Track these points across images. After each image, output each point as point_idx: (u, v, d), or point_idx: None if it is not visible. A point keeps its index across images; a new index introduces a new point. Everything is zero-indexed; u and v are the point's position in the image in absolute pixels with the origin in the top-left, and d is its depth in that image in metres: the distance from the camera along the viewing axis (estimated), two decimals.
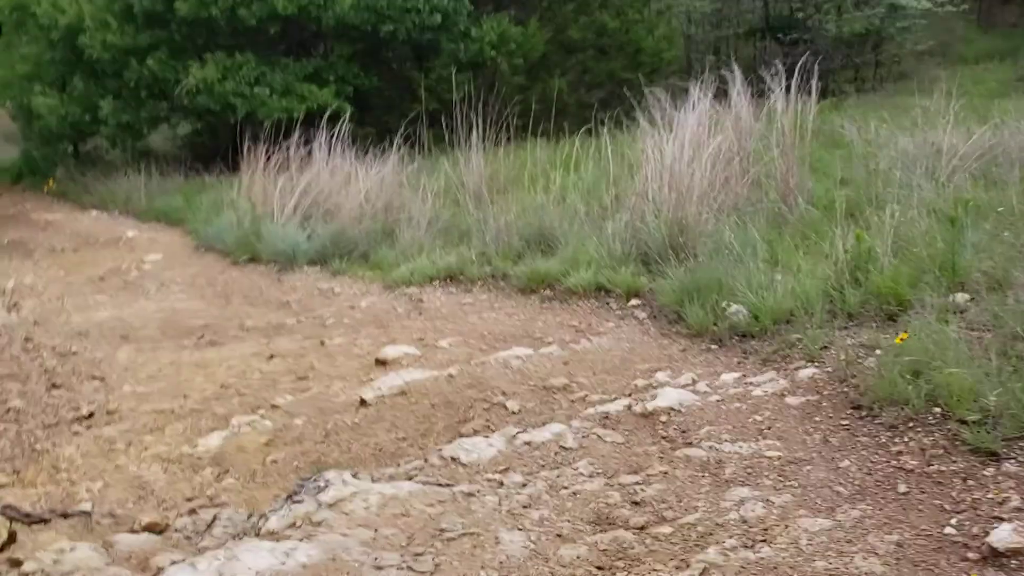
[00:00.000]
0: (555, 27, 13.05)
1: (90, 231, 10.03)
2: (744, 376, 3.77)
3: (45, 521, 3.17)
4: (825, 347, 3.89)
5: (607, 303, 5.27)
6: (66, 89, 11.45)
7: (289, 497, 2.81)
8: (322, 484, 2.77)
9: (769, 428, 3.21)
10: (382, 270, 6.88)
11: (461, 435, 3.48)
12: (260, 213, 8.05)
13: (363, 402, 3.97)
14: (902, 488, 2.66)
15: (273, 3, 10.82)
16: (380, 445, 3.54)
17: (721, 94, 8.17)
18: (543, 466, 3.02)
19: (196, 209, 9.53)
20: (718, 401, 3.51)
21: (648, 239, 5.74)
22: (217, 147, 11.82)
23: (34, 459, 4.25)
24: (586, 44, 13.21)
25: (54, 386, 5.48)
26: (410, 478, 2.94)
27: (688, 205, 5.73)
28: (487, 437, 3.30)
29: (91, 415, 4.93)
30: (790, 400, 3.44)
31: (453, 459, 3.09)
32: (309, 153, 8.69)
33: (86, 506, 3.48)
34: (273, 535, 2.59)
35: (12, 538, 3.02)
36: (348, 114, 11.18)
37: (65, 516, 3.18)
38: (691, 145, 6.32)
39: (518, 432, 3.31)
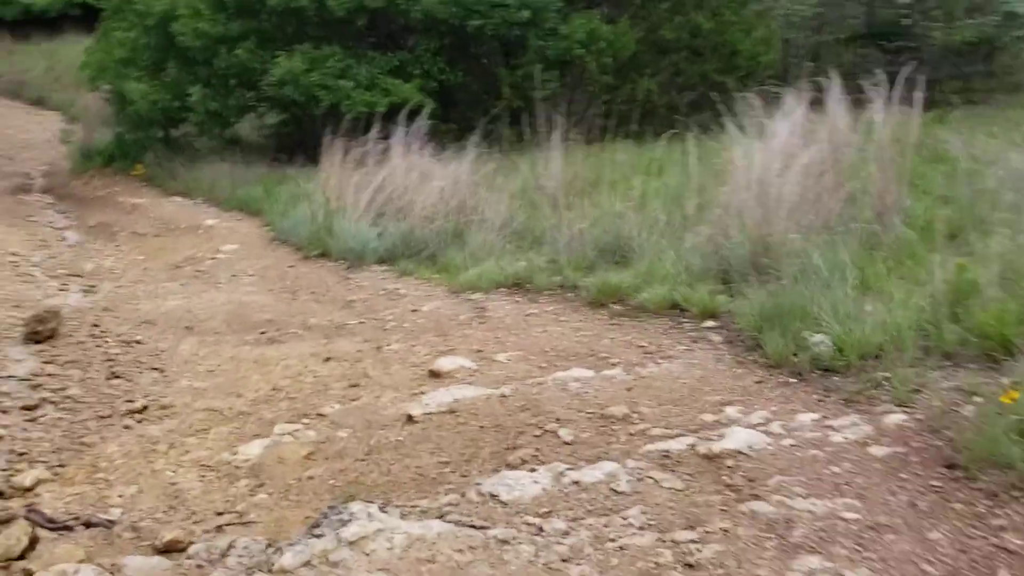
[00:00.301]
0: (647, 26, 12.64)
1: (172, 217, 10.13)
2: (823, 418, 3.40)
3: (68, 528, 3.04)
4: (916, 390, 3.50)
5: (680, 323, 4.93)
6: (159, 76, 11.61)
7: (311, 529, 2.59)
8: (346, 517, 2.55)
9: (848, 484, 2.85)
10: (449, 273, 6.67)
11: (507, 464, 3.21)
12: (334, 208, 7.93)
13: (410, 418, 3.74)
14: (1003, 574, 2.28)
15: None
16: (421, 469, 3.30)
17: (818, 102, 7.71)
18: (590, 511, 2.73)
19: (275, 200, 9.50)
20: (792, 446, 3.16)
21: (730, 255, 5.38)
22: (301, 138, 11.82)
23: (79, 454, 4.16)
24: (679, 45, 12.76)
25: (114, 376, 5.44)
26: (442, 516, 2.69)
27: (775, 221, 5.34)
28: (533, 471, 3.03)
29: (144, 409, 4.85)
30: (874, 451, 3.07)
31: (492, 496, 2.82)
32: (387, 148, 8.54)
33: (116, 512, 3.35)
34: (285, 574, 2.38)
35: (33, 544, 2.91)
36: (429, 109, 11.13)
37: (88, 525, 3.05)
38: (782, 155, 5.92)
39: (567, 469, 3.02)
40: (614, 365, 4.30)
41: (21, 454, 4.33)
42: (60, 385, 5.35)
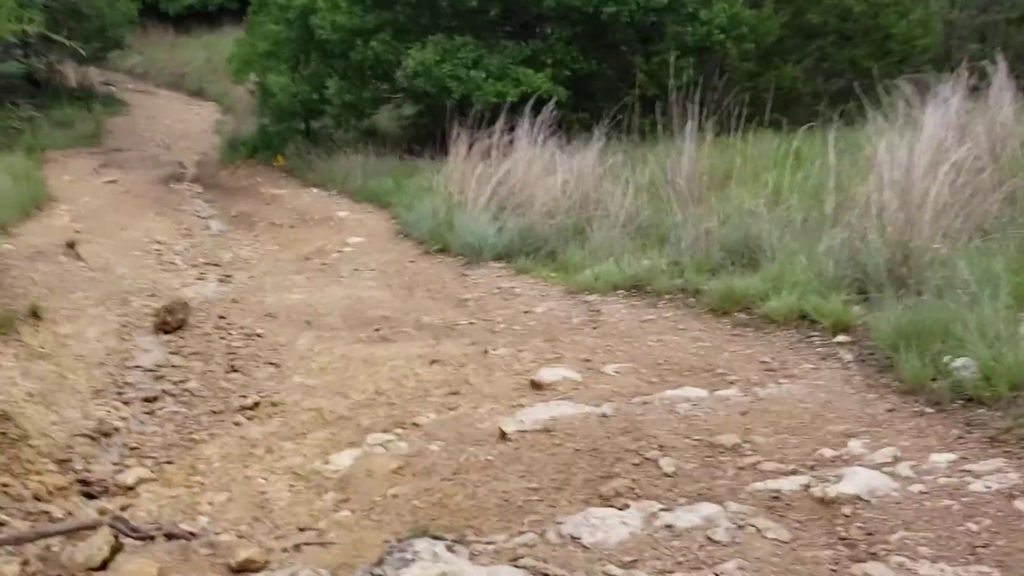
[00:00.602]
0: (793, 10, 11.93)
1: (308, 208, 10.33)
2: (962, 460, 2.98)
3: (151, 538, 3.02)
4: None
5: (809, 336, 4.52)
6: (299, 69, 11.88)
7: (372, 568, 2.43)
8: (409, 556, 2.37)
9: (986, 546, 2.45)
10: (566, 272, 6.44)
11: (600, 496, 2.96)
12: (456, 202, 7.84)
13: (504, 435, 3.54)
14: None
15: None
16: (508, 494, 3.10)
17: (980, 90, 7.02)
18: (680, 563, 2.45)
19: (404, 193, 9.51)
20: (922, 494, 2.76)
21: (867, 262, 4.90)
22: (434, 130, 11.80)
23: (184, 453, 4.20)
24: (827, 29, 11.98)
25: (233, 369, 5.51)
26: (515, 559, 2.47)
27: (919, 224, 4.82)
28: (623, 510, 2.77)
29: (255, 406, 4.88)
30: (1020, 505, 2.64)
31: (574, 538, 2.58)
32: (513, 140, 8.37)
33: (203, 521, 3.32)
34: None
35: (115, 553, 2.89)
36: (557, 99, 10.87)
37: (169, 537, 3.02)
38: (931, 150, 5.36)
39: (661, 509, 2.74)
40: (731, 383, 3.97)
41: (132, 448, 4.42)
42: (181, 377, 5.47)
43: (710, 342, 4.66)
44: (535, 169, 7.93)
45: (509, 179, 7.98)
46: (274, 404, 4.84)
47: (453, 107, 10.28)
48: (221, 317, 6.41)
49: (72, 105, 18.45)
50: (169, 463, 4.01)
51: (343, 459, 3.58)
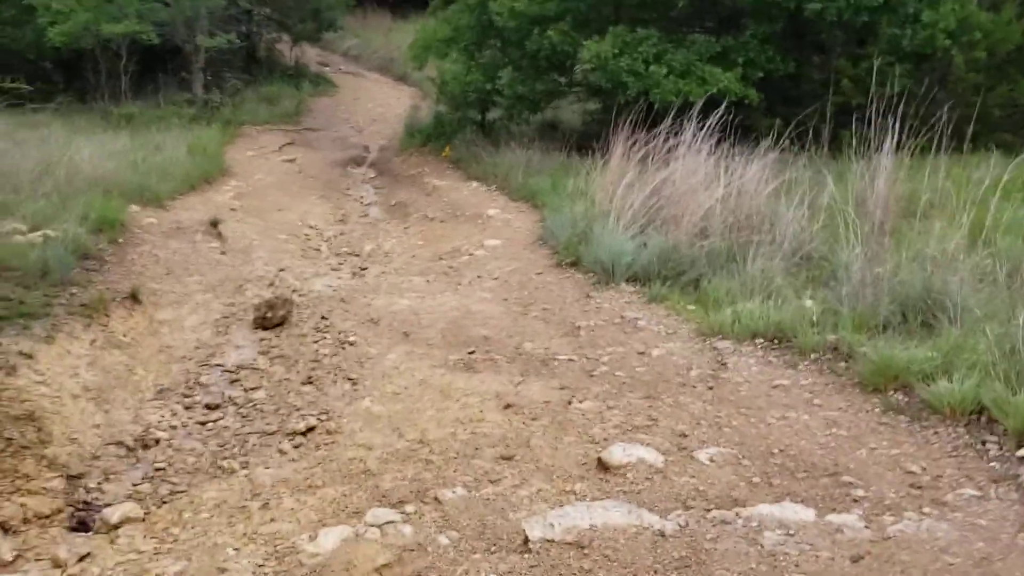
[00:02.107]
0: None
1: (462, 203, 9.76)
2: None
3: None
4: None
5: (983, 442, 3.32)
6: (475, 57, 11.34)
7: None
8: None
9: None
10: (704, 307, 5.41)
11: None
12: (599, 211, 6.95)
13: (526, 542, 2.69)
14: None
15: None
16: None
17: None
18: None
19: (558, 195, 8.70)
20: None
21: None
22: (606, 128, 10.93)
23: (190, 488, 3.66)
24: None
25: (309, 381, 4.98)
26: None
27: None
28: None
29: (308, 431, 4.30)
30: None
31: None
32: (676, 146, 7.35)
33: None
34: None
35: None
36: (747, 102, 9.69)
37: None
38: None
39: None
40: (853, 503, 2.90)
41: (158, 469, 3.94)
42: (256, 383, 4.99)
43: (847, 430, 3.56)
44: (695, 180, 6.88)
45: (664, 189, 6.99)
46: (328, 433, 4.23)
47: (629, 104, 9.34)
48: (323, 318, 5.91)
49: (282, 82, 19.02)
50: (164, 503, 3.46)
51: (329, 540, 2.85)
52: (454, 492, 3.14)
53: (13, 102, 13.33)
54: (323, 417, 4.44)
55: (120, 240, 6.91)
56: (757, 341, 4.76)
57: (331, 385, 4.89)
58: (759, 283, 5.58)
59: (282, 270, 7.30)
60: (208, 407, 4.66)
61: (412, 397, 4.50)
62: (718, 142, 7.38)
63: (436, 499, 3.11)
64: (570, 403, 4.04)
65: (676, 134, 7.50)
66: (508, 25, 10.58)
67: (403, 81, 23.15)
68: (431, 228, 9.15)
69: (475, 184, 10.61)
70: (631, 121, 7.88)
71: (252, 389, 4.90)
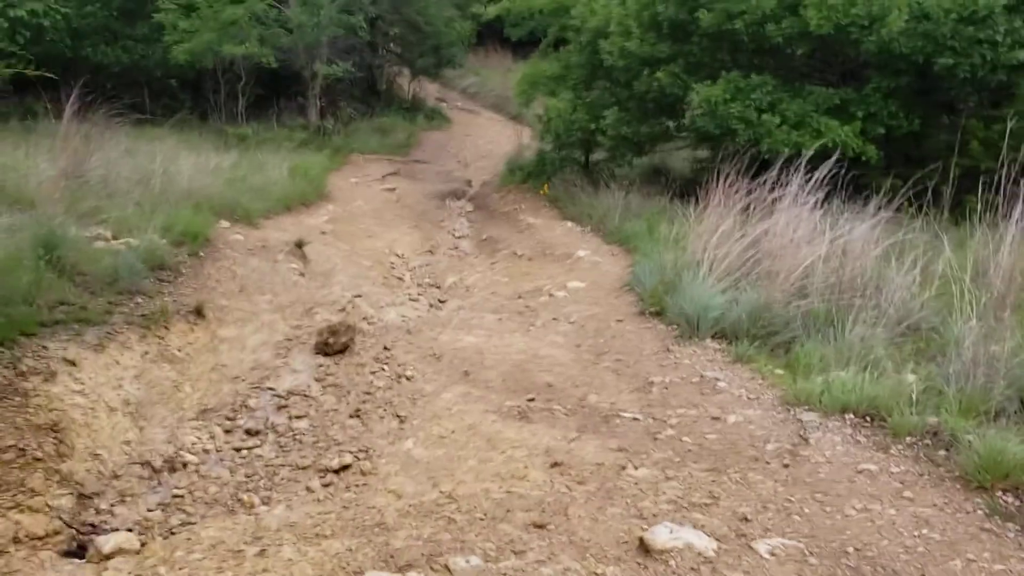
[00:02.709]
0: None
1: (553, 242, 9.43)
2: None
3: None
4: None
5: None
6: (581, 96, 11.06)
7: None
8: None
9: None
10: (793, 373, 4.88)
11: None
12: (691, 260, 6.48)
13: None
14: None
15: (806, 20, 9.00)
16: None
17: None
18: None
19: (653, 240, 8.27)
20: None
21: None
22: (712, 176, 10.45)
23: (201, 520, 3.39)
24: None
25: (356, 414, 4.70)
26: None
27: None
28: None
29: (342, 470, 4.01)
30: None
31: None
32: (779, 198, 6.83)
33: None
34: None
35: None
36: (866, 159, 9.05)
37: None
38: None
39: None
40: None
41: (176, 496, 3.71)
42: (302, 411, 4.75)
43: (941, 532, 3.00)
44: (798, 234, 6.35)
45: (763, 242, 6.48)
46: (362, 473, 3.93)
47: (737, 152, 8.86)
48: (386, 348, 5.65)
49: (398, 115, 19.28)
50: (172, 534, 3.20)
51: None
52: (468, 561, 2.76)
53: (140, 117, 13.92)
54: (361, 455, 4.14)
55: (201, 254, 6.86)
56: (847, 416, 4.21)
57: (378, 421, 4.59)
58: (857, 352, 5.00)
59: (358, 296, 7.12)
60: (248, 432, 4.43)
61: (457, 443, 4.15)
62: (827, 196, 6.84)
63: (446, 567, 2.73)
64: (624, 468, 3.60)
65: (782, 185, 6.98)
66: (617, 65, 10.29)
67: (517, 120, 23.18)
68: (517, 265, 8.85)
69: (570, 224, 10.28)
70: (737, 169, 7.42)
71: (297, 417, 4.65)
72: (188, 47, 12.64)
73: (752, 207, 6.93)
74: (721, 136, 9.75)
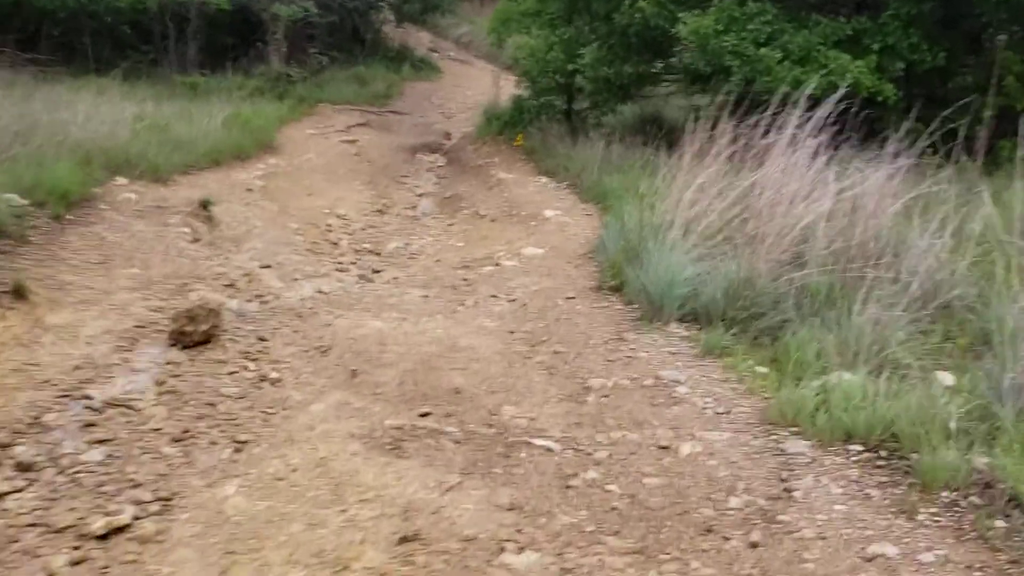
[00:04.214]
0: None
1: (522, 201, 8.04)
2: None
3: None
4: None
5: None
6: (559, 32, 9.59)
7: None
8: None
9: None
10: (780, 373, 3.56)
11: None
12: (659, 222, 5.11)
13: None
14: None
15: None
16: None
17: None
18: None
19: (633, 197, 6.87)
20: None
21: None
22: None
23: None
24: None
25: (183, 436, 3.41)
26: None
27: None
28: None
29: (115, 533, 2.73)
30: None
31: None
32: (772, 144, 5.42)
33: None
34: None
35: None
36: (884, 99, 7.58)
37: None
38: None
39: None
40: None
41: None
42: (109, 434, 3.46)
43: None
44: (793, 186, 4.95)
45: (749, 199, 5.10)
46: (139, 542, 2.66)
47: (733, 94, 7.40)
48: (261, 339, 4.36)
49: (382, 64, 17.76)
50: None
51: None
52: None
53: (81, 66, 12.56)
54: (154, 508, 2.85)
55: (69, 217, 5.56)
56: (851, 447, 2.88)
57: (207, 448, 3.30)
58: (868, 343, 3.67)
59: (266, 267, 5.82)
60: (19, 467, 3.14)
61: (293, 490, 2.87)
62: (833, 140, 5.44)
63: None
64: (503, 549, 2.30)
65: (779, 127, 5.56)
66: None
67: (511, 69, 21.59)
68: (477, 227, 7.51)
69: (544, 179, 8.89)
70: (725, 110, 6.00)
71: (98, 443, 3.36)
72: None
73: (741, 156, 5.54)
74: (713, 75, 8.30)
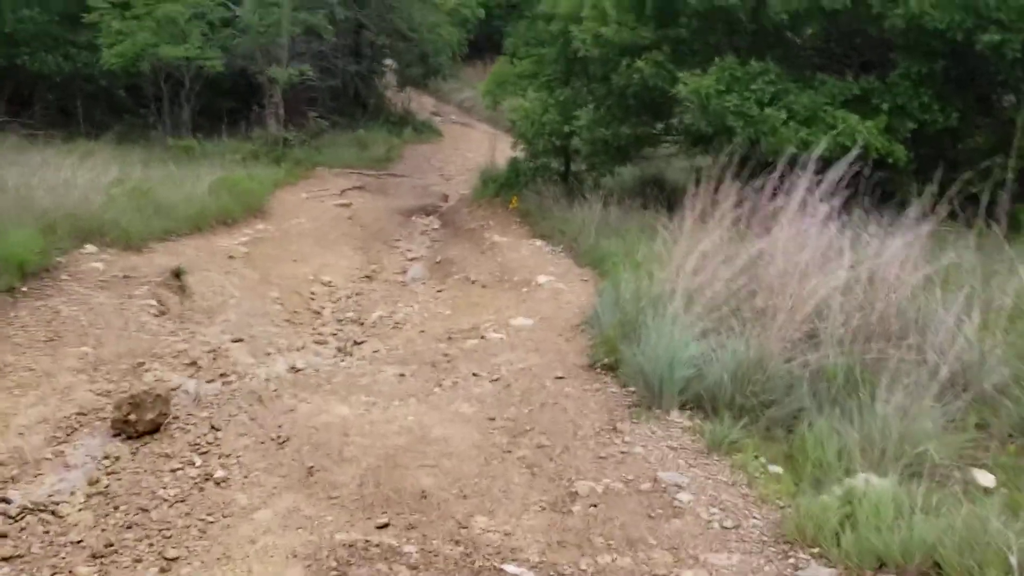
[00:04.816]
0: None
1: (514, 266, 7.61)
2: None
3: None
4: None
5: None
6: (554, 94, 9.26)
7: None
8: None
9: None
10: (797, 474, 3.06)
11: None
12: (659, 291, 4.64)
13: None
14: None
15: None
16: None
17: None
18: None
19: (631, 263, 6.42)
20: None
21: None
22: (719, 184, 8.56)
23: None
24: None
25: (105, 551, 2.91)
26: None
27: None
28: None
29: None
30: None
31: None
32: (780, 209, 4.98)
33: None
34: None
35: None
36: (894, 161, 7.17)
37: None
38: None
39: None
40: None
41: None
42: (16, 548, 2.96)
43: None
44: (805, 255, 4.49)
45: (760, 266, 4.64)
46: None
47: (737, 155, 7.02)
48: (214, 428, 3.87)
49: (384, 128, 17.57)
50: None
51: None
52: None
53: (74, 130, 12.31)
54: None
55: (24, 288, 5.14)
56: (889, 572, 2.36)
57: (126, 569, 2.80)
58: (895, 437, 3.16)
59: (238, 340, 5.38)
60: None
61: None
62: (845, 204, 5.01)
63: None
64: None
65: (787, 190, 5.13)
66: (592, 55, 8.50)
67: (511, 132, 21.43)
68: (467, 294, 7.06)
69: (539, 243, 8.48)
70: (729, 171, 5.60)
71: (3, 560, 2.87)
72: (120, 50, 10.99)
73: (747, 220, 5.11)
74: (715, 136, 7.93)
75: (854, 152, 5.30)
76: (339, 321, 6.54)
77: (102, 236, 6.50)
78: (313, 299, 6.99)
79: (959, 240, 4.94)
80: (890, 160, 7.28)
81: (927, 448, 3.08)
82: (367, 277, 7.90)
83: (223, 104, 13.19)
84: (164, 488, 3.33)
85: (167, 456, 3.63)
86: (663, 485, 3.10)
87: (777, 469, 3.20)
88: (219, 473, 3.43)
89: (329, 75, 14.88)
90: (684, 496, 3.00)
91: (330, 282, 7.49)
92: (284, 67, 12.36)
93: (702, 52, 8.25)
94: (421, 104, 21.60)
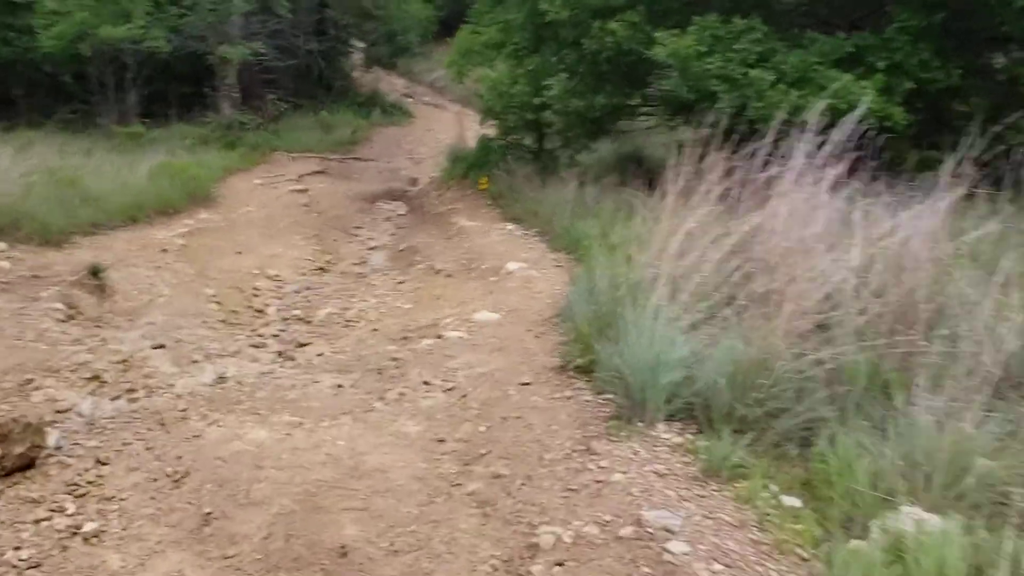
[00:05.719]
0: None
1: (483, 252, 6.88)
2: None
3: None
4: None
5: None
6: (522, 64, 8.52)
7: None
8: None
9: None
10: (820, 512, 2.36)
11: None
12: (639, 278, 3.94)
13: None
14: None
15: None
16: None
17: None
18: None
19: (605, 246, 5.71)
20: None
21: None
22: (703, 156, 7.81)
23: None
24: None
25: None
26: None
27: None
28: None
29: None
30: None
31: None
32: (774, 179, 4.27)
33: None
34: None
35: None
36: (892, 124, 6.47)
37: None
38: None
39: None
40: None
41: None
42: None
43: None
44: (809, 231, 3.79)
45: (755, 245, 3.95)
46: None
47: (721, 124, 6.29)
48: (100, 463, 3.14)
49: (350, 110, 16.73)
50: None
51: None
52: None
53: (17, 120, 11.44)
54: None
55: None
56: None
57: None
58: (936, 452, 2.48)
59: (159, 347, 4.64)
60: None
61: None
62: (849, 172, 4.30)
63: None
64: None
65: (782, 158, 4.41)
66: (562, 18, 7.74)
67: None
68: (430, 285, 6.34)
69: (510, 226, 7.75)
70: (714, 140, 4.86)
71: None
72: (57, 31, 10.12)
73: (737, 193, 4.39)
74: (697, 103, 7.19)
75: (857, 113, 4.61)
76: (284, 320, 5.82)
77: (16, 231, 5.73)
78: (256, 295, 6.25)
79: (983, 212, 4.25)
80: (887, 124, 6.58)
81: (983, 468, 2.40)
82: (320, 269, 7.15)
83: (175, 89, 12.35)
84: (19, 548, 2.60)
85: (34, 501, 2.90)
86: (650, 529, 2.40)
87: (794, 502, 2.51)
88: (91, 525, 2.71)
89: (289, 55, 14.02)
90: (677, 546, 2.31)
91: (277, 276, 6.75)
92: (236, 46, 11.54)
93: (680, 12, 7.52)
94: (391, 85, 20.78)
